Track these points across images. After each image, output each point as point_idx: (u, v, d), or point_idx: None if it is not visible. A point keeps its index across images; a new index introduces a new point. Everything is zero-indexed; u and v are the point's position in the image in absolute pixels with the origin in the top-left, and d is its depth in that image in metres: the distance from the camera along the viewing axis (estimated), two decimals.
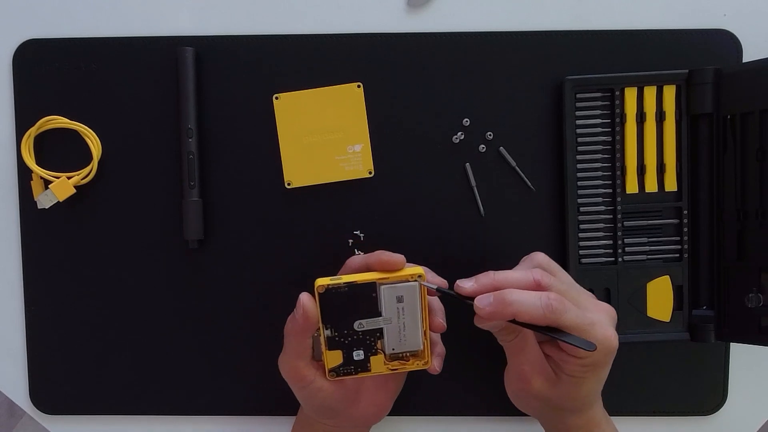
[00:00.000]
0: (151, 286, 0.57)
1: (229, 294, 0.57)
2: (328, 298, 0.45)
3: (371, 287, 0.45)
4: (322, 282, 0.45)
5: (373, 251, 0.47)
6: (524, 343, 0.46)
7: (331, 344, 0.47)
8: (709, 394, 0.57)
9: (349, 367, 0.47)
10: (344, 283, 0.45)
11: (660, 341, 0.56)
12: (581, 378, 0.46)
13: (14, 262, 0.58)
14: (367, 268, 0.47)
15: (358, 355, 0.47)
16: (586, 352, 0.44)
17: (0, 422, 1.40)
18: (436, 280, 0.48)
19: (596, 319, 0.45)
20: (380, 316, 0.46)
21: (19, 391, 0.59)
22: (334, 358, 0.47)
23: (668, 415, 0.58)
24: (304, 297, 0.46)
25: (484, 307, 0.43)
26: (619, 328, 0.55)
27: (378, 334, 0.47)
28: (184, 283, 0.57)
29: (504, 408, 0.58)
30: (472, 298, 0.44)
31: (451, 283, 0.47)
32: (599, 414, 0.51)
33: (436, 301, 0.49)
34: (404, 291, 0.45)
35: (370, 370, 0.48)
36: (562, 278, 0.48)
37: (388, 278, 0.45)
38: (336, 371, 0.47)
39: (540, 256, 0.48)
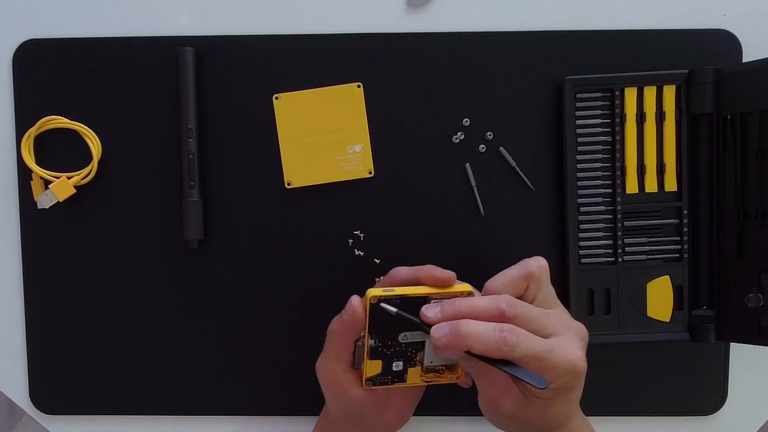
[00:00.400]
0: (151, 286, 0.57)
1: (229, 294, 0.57)
2: (378, 309, 0.45)
3: (422, 301, 0.45)
4: (374, 293, 0.45)
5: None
6: (487, 367, 0.45)
7: (373, 354, 0.46)
8: (709, 394, 0.57)
9: (386, 377, 0.47)
10: (396, 295, 0.45)
11: (660, 341, 0.56)
12: (550, 400, 0.45)
13: (14, 262, 0.58)
14: (415, 281, 0.47)
15: (397, 366, 0.47)
16: (554, 378, 0.43)
17: (0, 422, 1.40)
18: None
19: (558, 343, 0.44)
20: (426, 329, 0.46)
21: (19, 391, 0.59)
22: (373, 368, 0.47)
23: (668, 415, 0.58)
24: (355, 299, 0.46)
25: (440, 338, 0.42)
26: (619, 328, 0.55)
27: (419, 347, 0.47)
28: (184, 284, 0.57)
29: None
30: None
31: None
32: (576, 426, 0.50)
33: None
34: None
35: (405, 381, 0.48)
36: (545, 292, 0.47)
37: (439, 293, 0.45)
38: (373, 380, 0.47)
39: (532, 264, 0.47)
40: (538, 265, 0.47)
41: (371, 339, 0.46)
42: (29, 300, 0.58)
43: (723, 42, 0.55)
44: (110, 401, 0.58)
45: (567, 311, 0.49)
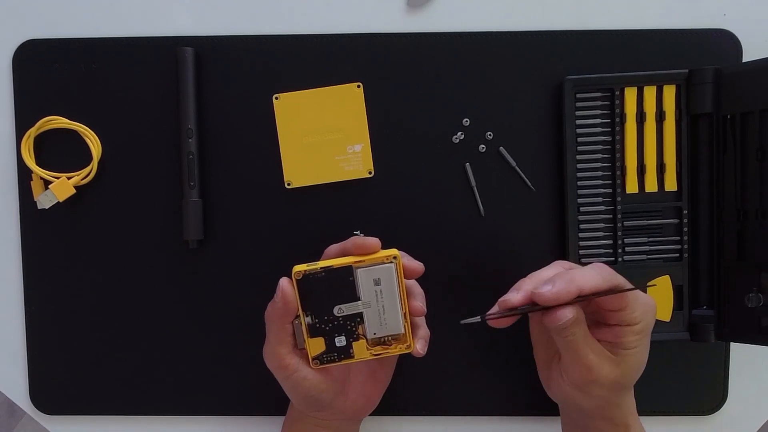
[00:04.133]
0: (151, 287, 0.57)
1: (228, 294, 0.57)
2: (306, 284, 0.46)
3: (348, 271, 0.46)
4: (299, 268, 0.46)
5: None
6: (586, 334, 0.47)
7: (313, 331, 0.47)
8: (709, 394, 0.57)
9: (332, 354, 0.47)
10: (321, 268, 0.45)
11: (660, 341, 0.56)
12: (637, 347, 0.47)
13: (14, 262, 0.58)
14: (344, 254, 0.48)
15: (340, 341, 0.47)
16: (640, 317, 0.46)
17: (0, 422, 1.40)
18: (412, 264, 0.48)
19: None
20: (359, 300, 0.46)
21: (19, 391, 0.59)
22: (316, 346, 0.47)
23: (668, 415, 0.58)
24: (284, 282, 0.46)
25: (550, 289, 0.44)
26: None
27: (358, 319, 0.47)
28: (184, 284, 0.57)
29: (504, 408, 0.58)
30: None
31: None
32: (633, 399, 0.52)
33: (415, 285, 0.49)
34: (380, 273, 0.46)
35: (353, 357, 0.48)
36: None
37: (363, 261, 0.46)
38: (319, 359, 0.47)
39: (563, 263, 0.50)
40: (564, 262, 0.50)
41: (307, 316, 0.46)
42: (29, 300, 0.58)
43: (723, 42, 0.55)
44: (110, 401, 0.58)
45: None
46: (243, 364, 0.58)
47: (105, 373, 0.58)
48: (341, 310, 0.46)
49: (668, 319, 0.55)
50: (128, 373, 0.58)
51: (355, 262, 0.46)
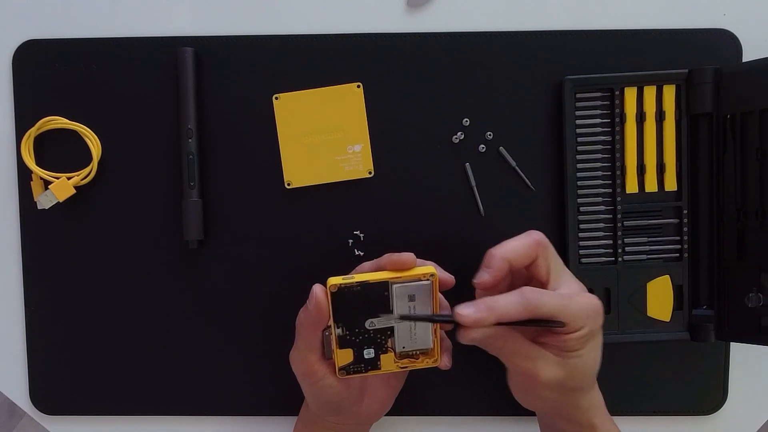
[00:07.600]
0: (151, 287, 0.57)
1: (228, 294, 0.57)
2: (340, 297, 0.45)
3: (383, 286, 0.45)
4: (334, 281, 0.45)
5: (381, 255, 0.47)
6: (516, 343, 0.46)
7: (342, 343, 0.47)
8: (709, 394, 0.57)
9: (359, 365, 0.47)
10: (357, 282, 0.45)
11: (660, 341, 0.56)
12: (581, 350, 0.46)
13: (14, 262, 0.58)
14: (379, 270, 0.47)
15: (369, 353, 0.47)
16: (581, 324, 0.45)
17: (0, 422, 1.40)
18: (445, 277, 0.48)
19: (572, 290, 0.46)
20: (391, 314, 0.46)
21: (19, 391, 0.59)
22: (344, 357, 0.47)
23: (668, 415, 0.58)
24: (318, 289, 0.46)
25: (468, 314, 0.43)
26: (619, 327, 0.55)
27: (389, 333, 0.47)
28: (184, 284, 0.57)
29: (504, 408, 0.58)
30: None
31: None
32: (600, 399, 0.51)
33: (442, 299, 0.49)
34: (416, 290, 0.45)
35: (380, 368, 0.48)
36: (557, 260, 0.48)
37: (400, 277, 0.45)
38: (346, 369, 0.47)
39: (536, 233, 0.48)
40: (540, 234, 0.48)
41: (338, 328, 0.46)
42: (29, 300, 0.58)
43: (723, 42, 0.55)
44: (110, 401, 0.58)
45: (574, 277, 0.49)
46: (244, 364, 0.58)
47: (105, 373, 0.58)
48: (373, 323, 0.46)
49: (668, 319, 0.55)
50: (128, 373, 0.58)
51: (392, 278, 0.45)
